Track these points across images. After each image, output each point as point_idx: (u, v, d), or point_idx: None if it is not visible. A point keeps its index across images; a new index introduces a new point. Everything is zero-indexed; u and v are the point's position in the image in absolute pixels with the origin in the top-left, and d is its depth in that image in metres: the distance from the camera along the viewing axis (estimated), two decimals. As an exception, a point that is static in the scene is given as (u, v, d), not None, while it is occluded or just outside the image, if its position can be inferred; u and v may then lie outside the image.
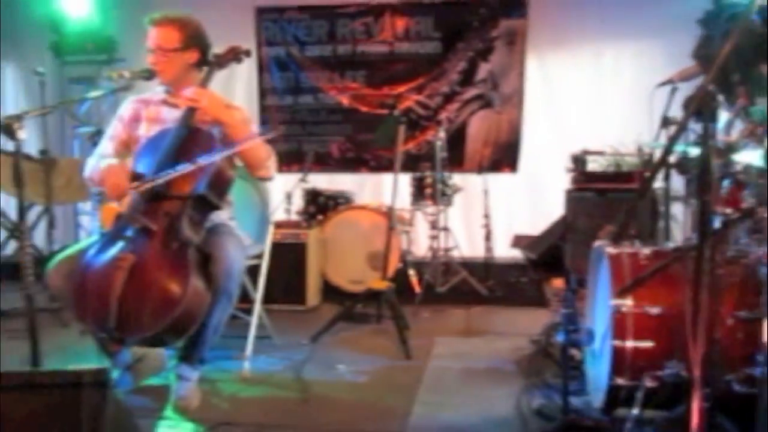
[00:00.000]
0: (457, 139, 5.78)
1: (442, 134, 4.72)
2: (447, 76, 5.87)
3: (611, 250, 2.38)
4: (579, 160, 4.79)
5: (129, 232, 2.48)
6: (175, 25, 2.79)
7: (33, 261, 4.09)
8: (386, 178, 6.09)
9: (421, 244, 5.23)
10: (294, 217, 4.80)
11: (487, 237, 4.86)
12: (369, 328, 3.82)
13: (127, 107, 2.90)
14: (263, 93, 6.11)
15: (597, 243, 2.64)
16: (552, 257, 5.13)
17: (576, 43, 5.71)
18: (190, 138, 2.62)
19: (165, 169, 2.50)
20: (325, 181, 5.68)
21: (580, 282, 2.93)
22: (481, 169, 5.08)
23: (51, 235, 4.51)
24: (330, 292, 4.54)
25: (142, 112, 2.87)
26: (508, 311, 4.24)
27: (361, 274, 4.48)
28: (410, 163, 5.86)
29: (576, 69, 5.71)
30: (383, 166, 5.95)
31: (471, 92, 5.86)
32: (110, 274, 2.37)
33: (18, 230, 4.47)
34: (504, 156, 5.82)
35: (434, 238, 4.73)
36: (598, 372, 2.47)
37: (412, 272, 4.52)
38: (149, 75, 2.75)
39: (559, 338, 2.70)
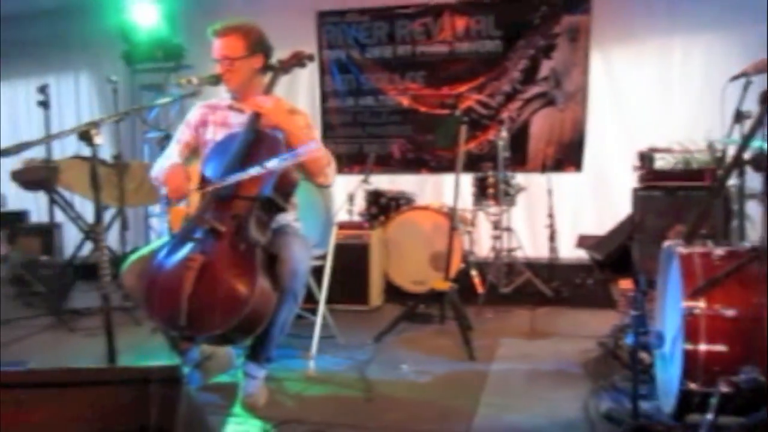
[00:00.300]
0: (519, 139, 5.72)
1: (504, 134, 4.68)
2: (508, 74, 5.81)
3: (682, 250, 2.31)
4: (646, 158, 4.66)
5: (198, 234, 2.54)
6: (239, 33, 2.85)
7: (108, 262, 4.24)
8: (447, 178, 6.08)
9: (483, 245, 5.19)
10: (356, 218, 4.84)
11: (552, 237, 4.78)
12: (432, 329, 3.82)
13: (194, 112, 2.98)
14: (325, 96, 6.19)
15: (667, 243, 2.56)
16: (619, 258, 5.00)
17: (642, 37, 5.55)
18: (256, 142, 2.68)
19: (232, 172, 2.57)
20: (386, 182, 5.71)
21: (650, 283, 2.84)
22: (544, 169, 4.99)
23: (123, 236, 4.68)
24: (392, 292, 4.56)
25: (210, 116, 2.95)
26: (574, 312, 4.16)
27: (424, 275, 4.48)
28: (471, 163, 5.83)
29: (642, 64, 5.56)
30: (444, 166, 5.95)
31: (533, 90, 5.77)
32: (181, 274, 2.44)
33: (94, 232, 4.65)
34: (568, 155, 5.71)
35: (497, 238, 4.68)
36: (668, 376, 2.40)
37: (474, 273, 4.49)
38: (216, 81, 2.82)
39: (628, 341, 2.64)
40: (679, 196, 4.45)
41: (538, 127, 5.78)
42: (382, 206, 4.87)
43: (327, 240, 3.27)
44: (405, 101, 6.02)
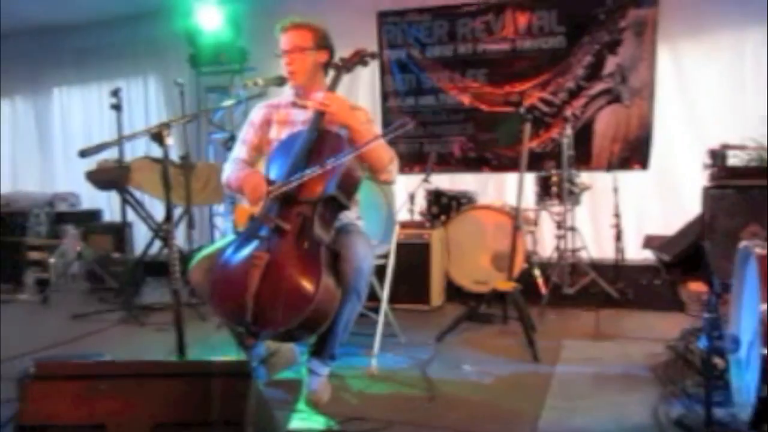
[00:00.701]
0: (583, 136, 5.59)
1: (569, 131, 4.58)
2: (572, 71, 5.70)
3: (760, 250, 2.22)
4: (718, 155, 4.49)
5: (263, 232, 2.59)
6: (307, 27, 2.91)
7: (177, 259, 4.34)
8: (509, 177, 6.01)
9: (545, 245, 5.11)
10: (417, 217, 4.84)
11: (618, 237, 4.66)
12: (493, 329, 3.78)
13: (258, 112, 3.03)
14: (385, 95, 6.22)
15: (743, 243, 2.46)
16: (687, 259, 4.84)
17: (713, 30, 5.35)
18: (320, 141, 2.71)
19: (297, 171, 2.60)
20: (446, 181, 5.69)
21: (724, 285, 2.74)
22: (610, 167, 4.86)
23: (190, 235, 4.80)
24: (453, 292, 4.54)
25: (273, 115, 3.00)
26: (640, 314, 4.05)
27: (485, 275, 4.44)
28: (534, 162, 5.75)
29: (712, 58, 5.36)
30: (505, 165, 5.89)
31: (598, 87, 5.64)
32: (247, 272, 2.48)
33: (163, 230, 4.80)
34: (634, 152, 5.56)
35: (560, 238, 4.59)
36: (745, 382, 2.31)
37: (537, 273, 4.42)
38: (281, 82, 2.88)
39: (701, 345, 2.55)
40: (753, 195, 4.27)
41: (603, 124, 5.65)
42: (443, 206, 4.85)
43: (389, 239, 3.28)
44: (466, 100, 5.98)
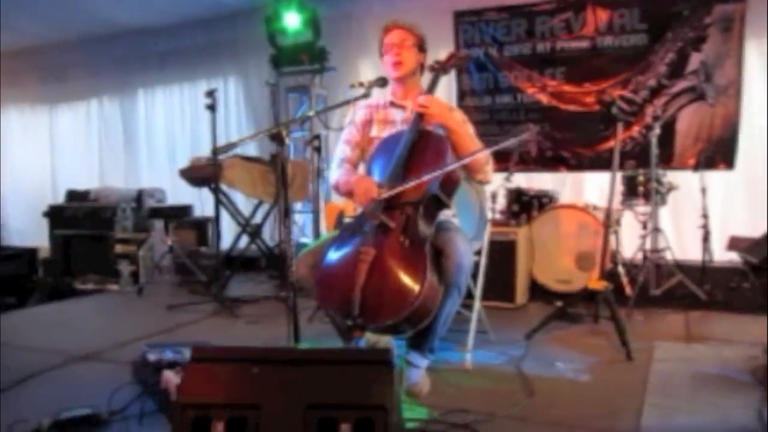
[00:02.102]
0: (665, 135, 5.50)
1: (657, 130, 4.53)
2: (654, 68, 5.61)
3: None
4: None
5: (368, 228, 2.68)
6: (411, 28, 3.06)
7: (265, 255, 4.48)
8: (586, 176, 5.98)
9: (628, 245, 5.06)
10: (497, 216, 4.86)
11: (705, 238, 4.58)
12: (582, 328, 3.79)
13: (359, 112, 3.14)
14: (462, 94, 6.26)
15: None
16: (777, 261, 4.72)
17: (805, 25, 5.20)
18: (421, 141, 2.79)
19: (399, 171, 2.70)
20: (523, 181, 5.69)
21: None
22: (697, 166, 4.77)
23: (280, 231, 4.93)
24: (536, 290, 4.56)
25: (374, 115, 3.11)
26: (731, 317, 3.99)
27: (569, 274, 4.45)
28: (611, 162, 5.71)
29: (805, 54, 5.21)
30: (583, 164, 5.85)
31: (681, 85, 5.54)
32: (354, 266, 2.58)
33: (250, 226, 4.99)
34: (718, 152, 5.43)
35: (645, 238, 4.55)
36: None
37: (622, 273, 4.39)
38: (383, 83, 2.97)
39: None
40: None
41: (686, 123, 5.54)
42: (524, 204, 4.87)
43: (481, 236, 3.34)
44: (544, 98, 5.97)
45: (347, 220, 4.07)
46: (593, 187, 6.01)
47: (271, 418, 1.47)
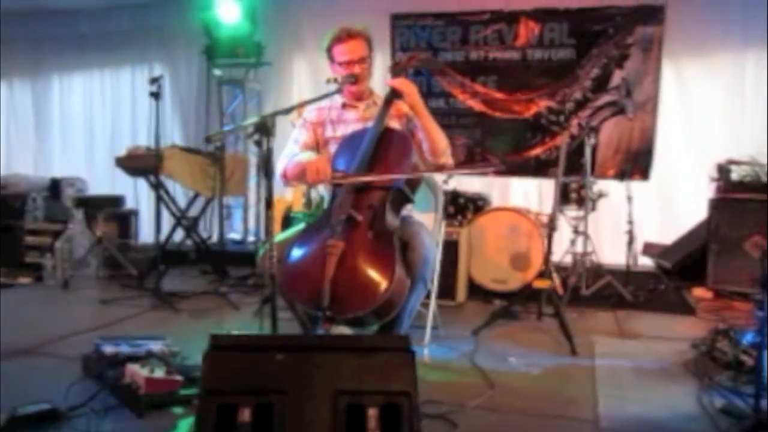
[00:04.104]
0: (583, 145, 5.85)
1: (593, 140, 4.80)
2: (580, 82, 5.94)
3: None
4: (724, 170, 4.79)
5: (334, 222, 2.71)
6: (363, 36, 3.10)
7: (198, 249, 4.37)
8: (513, 181, 6.24)
9: (556, 248, 5.30)
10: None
11: (630, 243, 4.90)
12: (524, 325, 3.96)
13: (310, 114, 3.17)
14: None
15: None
16: (687, 267, 5.13)
17: (715, 49, 5.66)
18: (386, 137, 2.87)
19: (365, 165, 2.76)
20: (453, 183, 5.84)
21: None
22: (623, 176, 5.12)
23: (222, 225, 4.85)
24: (473, 289, 4.71)
25: (326, 116, 3.14)
26: (654, 316, 4.28)
27: (505, 274, 4.64)
28: (537, 168, 6.02)
29: (714, 76, 5.67)
30: (510, 170, 6.09)
31: (604, 99, 5.90)
32: (323, 260, 2.60)
33: (187, 219, 4.85)
34: (636, 163, 5.83)
35: (575, 241, 4.82)
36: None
37: (554, 274, 4.62)
38: (354, 80, 3.00)
39: (747, 341, 2.79)
40: (756, 208, 4.57)
41: (608, 135, 5.90)
42: (459, 206, 5.02)
43: (437, 232, 3.43)
44: (475, 105, 6.17)
45: (295, 215, 4.09)
46: (519, 192, 6.29)
47: (298, 405, 1.48)
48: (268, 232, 2.43)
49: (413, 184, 2.88)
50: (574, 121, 5.91)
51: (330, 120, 3.14)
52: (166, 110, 7.05)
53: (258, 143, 4.46)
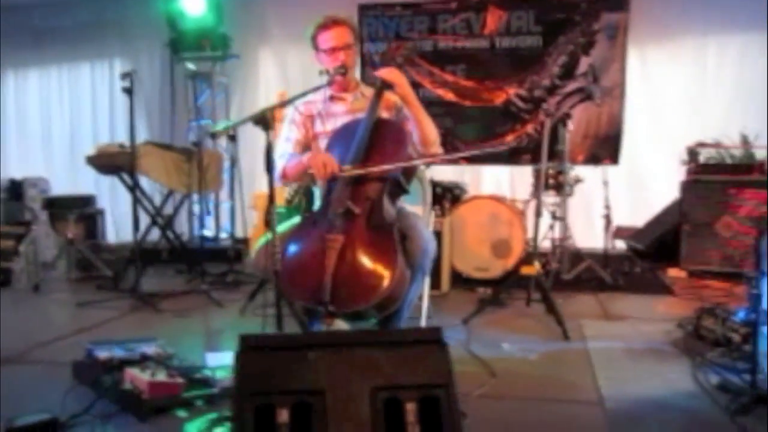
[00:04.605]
0: (557, 132, 5.91)
1: (571, 126, 4.83)
2: (548, 69, 6.01)
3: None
4: (693, 153, 4.92)
5: (331, 216, 2.68)
6: (347, 23, 3.06)
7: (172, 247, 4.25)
8: (484, 169, 6.30)
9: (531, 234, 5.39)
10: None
11: (607, 227, 4.99)
12: (511, 311, 4.01)
13: (298, 109, 3.11)
14: (365, 87, 6.32)
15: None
16: (660, 248, 5.26)
17: (678, 36, 5.81)
18: (380, 127, 2.85)
19: (361, 155, 2.73)
20: (428, 173, 5.86)
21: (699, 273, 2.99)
22: (596, 161, 5.20)
23: (202, 222, 4.75)
24: (455, 278, 4.73)
25: (314, 110, 3.09)
26: (635, 297, 4.36)
27: (486, 262, 4.67)
28: (510, 155, 6.07)
29: (677, 62, 5.82)
30: (481, 158, 6.12)
31: (572, 85, 5.99)
32: (323, 254, 2.57)
33: (162, 217, 4.73)
34: (604, 148, 5.93)
35: (552, 227, 4.88)
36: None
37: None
38: (344, 71, 2.96)
39: (739, 318, 2.87)
40: (726, 190, 4.72)
41: (576, 121, 5.95)
42: (437, 196, 5.02)
43: (427, 224, 3.43)
44: (445, 94, 6.18)
45: (279, 209, 4.03)
46: (491, 180, 6.34)
47: (338, 403, 1.46)
48: (271, 228, 2.39)
49: (409, 175, 2.87)
50: (544, 108, 5.97)
51: (318, 113, 3.08)
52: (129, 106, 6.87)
53: (232, 138, 4.38)
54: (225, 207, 6.03)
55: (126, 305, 4.11)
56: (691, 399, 2.58)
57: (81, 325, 3.68)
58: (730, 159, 5.12)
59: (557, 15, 5.95)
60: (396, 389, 1.51)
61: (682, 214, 4.88)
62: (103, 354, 2.70)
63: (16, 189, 6.09)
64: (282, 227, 3.01)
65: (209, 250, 5.53)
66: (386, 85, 2.92)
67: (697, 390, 2.65)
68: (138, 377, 2.42)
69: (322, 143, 3.01)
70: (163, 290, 4.44)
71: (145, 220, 4.85)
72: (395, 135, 2.85)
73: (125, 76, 4.05)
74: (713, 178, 4.78)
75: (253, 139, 6.24)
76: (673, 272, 4.84)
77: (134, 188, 4.25)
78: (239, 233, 5.87)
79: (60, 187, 6.41)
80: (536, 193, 4.96)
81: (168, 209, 5.15)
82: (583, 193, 5.37)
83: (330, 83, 2.94)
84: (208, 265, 5.12)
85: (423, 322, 3.26)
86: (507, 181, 6.24)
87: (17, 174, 6.57)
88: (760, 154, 4.96)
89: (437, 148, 3.03)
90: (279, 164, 3.01)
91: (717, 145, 4.96)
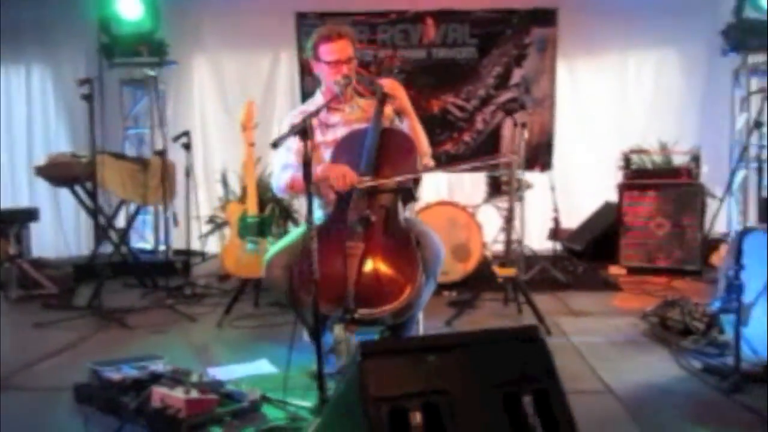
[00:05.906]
0: (492, 140, 6.24)
1: (526, 135, 5.06)
2: (483, 80, 6.29)
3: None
4: (627, 158, 5.32)
5: (349, 223, 2.72)
6: (349, 35, 3.10)
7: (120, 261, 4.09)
8: (427, 177, 6.44)
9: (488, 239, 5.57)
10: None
11: (555, 230, 5.27)
12: (486, 312, 4.14)
13: (296, 120, 3.11)
14: (305, 96, 6.31)
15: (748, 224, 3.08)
16: (597, 247, 5.63)
17: (602, 51, 6.26)
18: (388, 135, 2.93)
19: (373, 164, 2.80)
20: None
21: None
22: (543, 167, 5.50)
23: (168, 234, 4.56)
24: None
25: (312, 120, 3.10)
26: (589, 294, 4.60)
27: (447, 266, 4.78)
28: (448, 162, 6.28)
29: (602, 75, 6.28)
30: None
31: (506, 96, 6.29)
32: (344, 262, 2.62)
33: (116, 230, 4.52)
34: (536, 156, 6.27)
35: (507, 230, 5.09)
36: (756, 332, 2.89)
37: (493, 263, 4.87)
38: (350, 82, 3.01)
39: (714, 307, 3.16)
40: (660, 193, 5.14)
41: (509, 130, 6.29)
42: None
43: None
44: (385, 103, 6.29)
45: (251, 220, 3.99)
46: (429, 186, 6.51)
47: (462, 402, 1.52)
48: (309, 243, 2.38)
49: (418, 182, 3.00)
50: (479, 117, 6.25)
51: (317, 124, 3.08)
52: (49, 115, 6.49)
53: (186, 146, 4.26)
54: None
55: (88, 324, 3.88)
56: (684, 382, 2.82)
57: (52, 347, 3.43)
58: (651, 164, 5.57)
59: (491, 29, 6.24)
60: (511, 384, 1.59)
61: (619, 215, 5.26)
62: (115, 375, 2.58)
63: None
64: (287, 239, 3.00)
65: (160, 263, 5.28)
66: (387, 96, 2.99)
67: (685, 374, 2.90)
68: (170, 395, 2.34)
69: (325, 153, 3.03)
70: (123, 306, 4.23)
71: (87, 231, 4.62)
72: (404, 143, 2.94)
73: (84, 82, 3.85)
74: (647, 182, 5.20)
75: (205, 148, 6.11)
76: (613, 270, 5.20)
77: (95, 199, 4.03)
78: (178, 245, 5.67)
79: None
80: (488, 197, 5.21)
81: (120, 222, 4.91)
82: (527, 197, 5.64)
83: (341, 94, 2.97)
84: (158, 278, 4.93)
85: (420, 328, 3.33)
86: (445, 188, 6.44)
87: None
88: (678, 159, 5.45)
89: (429, 159, 3.14)
90: (284, 175, 3.00)
91: (640, 150, 5.38)
